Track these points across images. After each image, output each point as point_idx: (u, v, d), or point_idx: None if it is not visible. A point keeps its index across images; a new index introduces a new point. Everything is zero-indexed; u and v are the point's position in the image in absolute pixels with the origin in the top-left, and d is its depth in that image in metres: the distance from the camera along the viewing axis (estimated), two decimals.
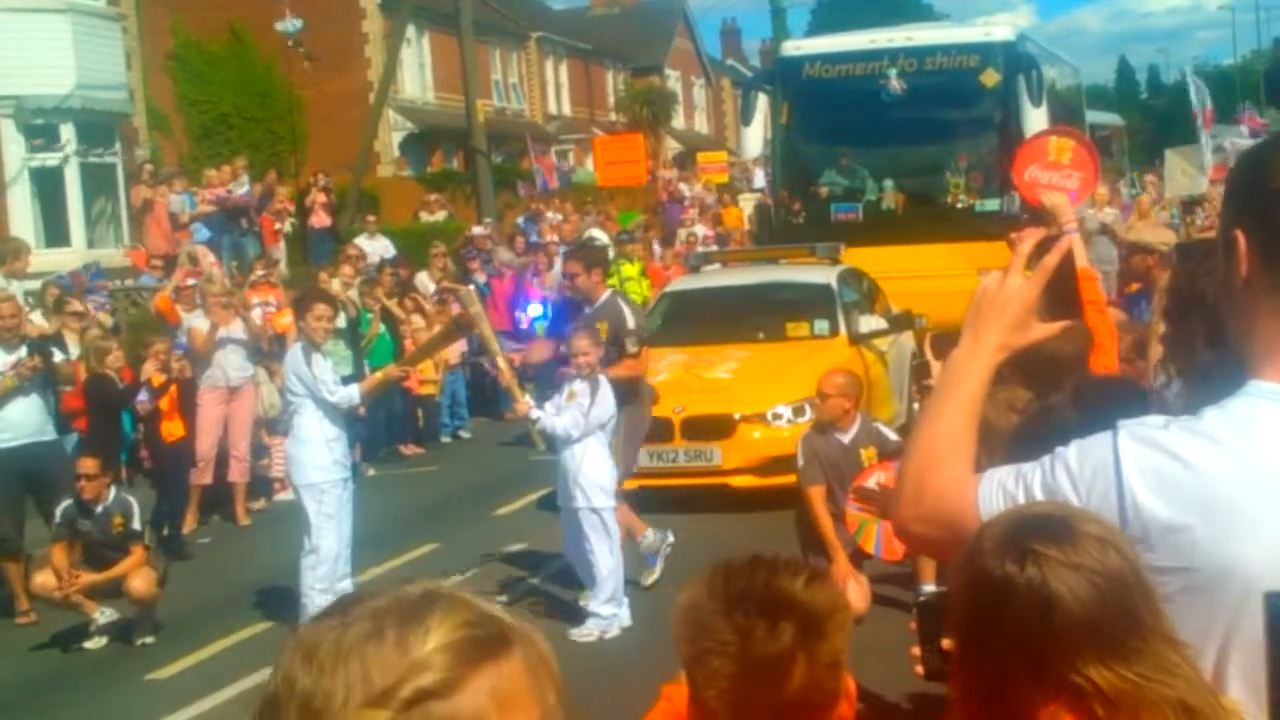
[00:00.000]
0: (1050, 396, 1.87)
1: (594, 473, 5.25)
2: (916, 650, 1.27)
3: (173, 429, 7.38)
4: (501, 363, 5.39)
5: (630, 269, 10.72)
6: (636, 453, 6.08)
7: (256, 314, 8.38)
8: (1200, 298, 1.99)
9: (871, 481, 4.56)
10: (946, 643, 1.22)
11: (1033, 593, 1.10)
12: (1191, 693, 1.10)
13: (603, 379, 5.30)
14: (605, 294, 5.91)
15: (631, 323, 5.82)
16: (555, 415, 5.24)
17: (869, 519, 4.63)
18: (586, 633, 5.19)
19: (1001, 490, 1.28)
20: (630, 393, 5.73)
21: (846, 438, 5.13)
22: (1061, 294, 1.47)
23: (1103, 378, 2.20)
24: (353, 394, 5.58)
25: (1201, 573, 1.17)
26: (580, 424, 5.21)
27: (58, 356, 6.87)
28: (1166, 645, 1.11)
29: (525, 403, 5.28)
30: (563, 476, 5.31)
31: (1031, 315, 1.38)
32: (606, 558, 5.23)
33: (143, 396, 7.19)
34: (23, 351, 6.45)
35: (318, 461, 5.48)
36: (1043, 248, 1.45)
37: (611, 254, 10.60)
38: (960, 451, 1.33)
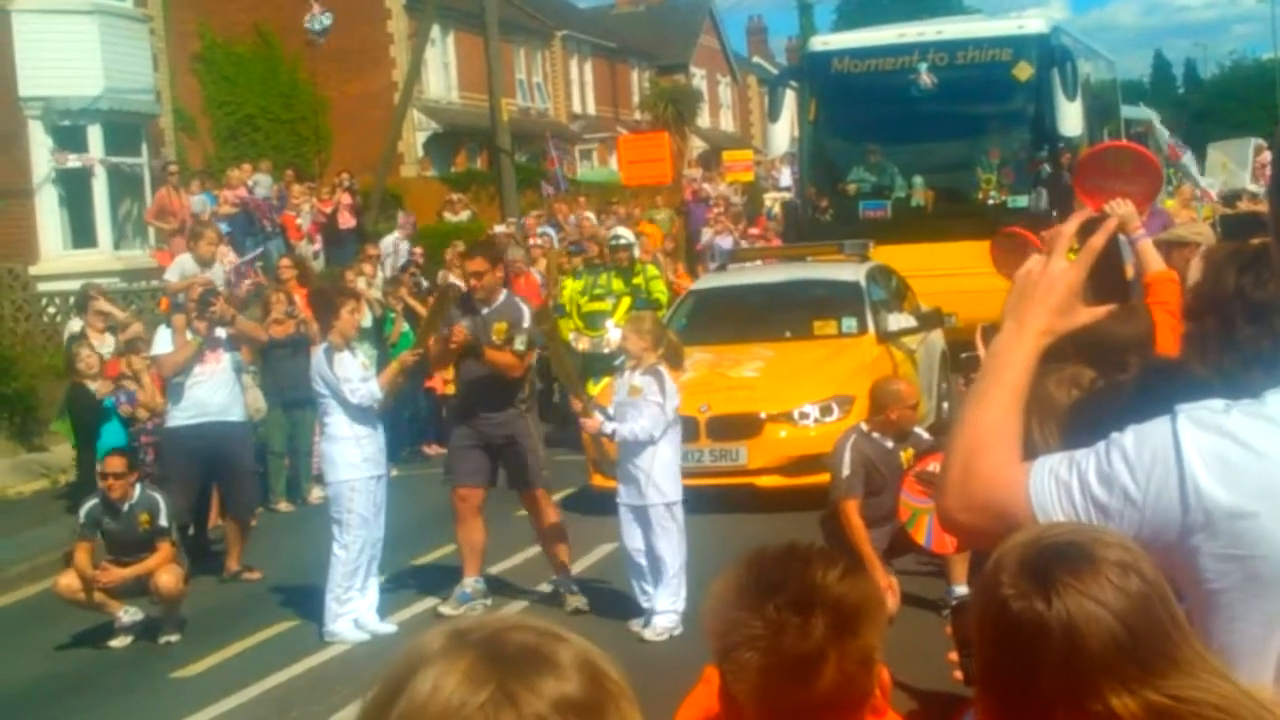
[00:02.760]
0: (1113, 378, 1.81)
1: (666, 467, 5.20)
2: (953, 656, 1.24)
3: None
4: (576, 395, 5.32)
5: (654, 269, 10.65)
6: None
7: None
8: (1223, 296, 1.93)
9: (932, 467, 4.47)
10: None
11: (1055, 627, 1.07)
12: (1228, 707, 1.06)
13: (663, 369, 5.21)
14: (503, 294, 5.70)
15: (526, 322, 5.62)
16: (617, 419, 5.14)
17: (923, 509, 4.54)
18: (659, 631, 5.13)
19: (1054, 479, 1.23)
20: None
21: (890, 441, 5.06)
22: (1108, 277, 1.38)
23: (1168, 361, 2.13)
24: (373, 389, 5.56)
25: (1266, 560, 1.13)
26: (661, 422, 5.13)
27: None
28: (1197, 662, 1.07)
29: (596, 419, 5.21)
30: (629, 473, 5.22)
31: (1076, 299, 1.34)
32: (676, 553, 5.18)
33: (123, 399, 7.12)
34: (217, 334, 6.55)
35: (348, 459, 5.49)
36: (1087, 229, 1.40)
37: (636, 253, 10.52)
38: (1006, 438, 1.29)
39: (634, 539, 5.30)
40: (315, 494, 8.33)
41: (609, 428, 5.16)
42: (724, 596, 1.25)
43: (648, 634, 5.11)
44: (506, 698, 0.76)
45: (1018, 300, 1.36)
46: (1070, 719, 1.07)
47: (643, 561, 5.29)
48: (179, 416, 6.52)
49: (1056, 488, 1.22)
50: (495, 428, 5.52)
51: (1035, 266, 1.36)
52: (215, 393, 6.54)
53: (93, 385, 7.11)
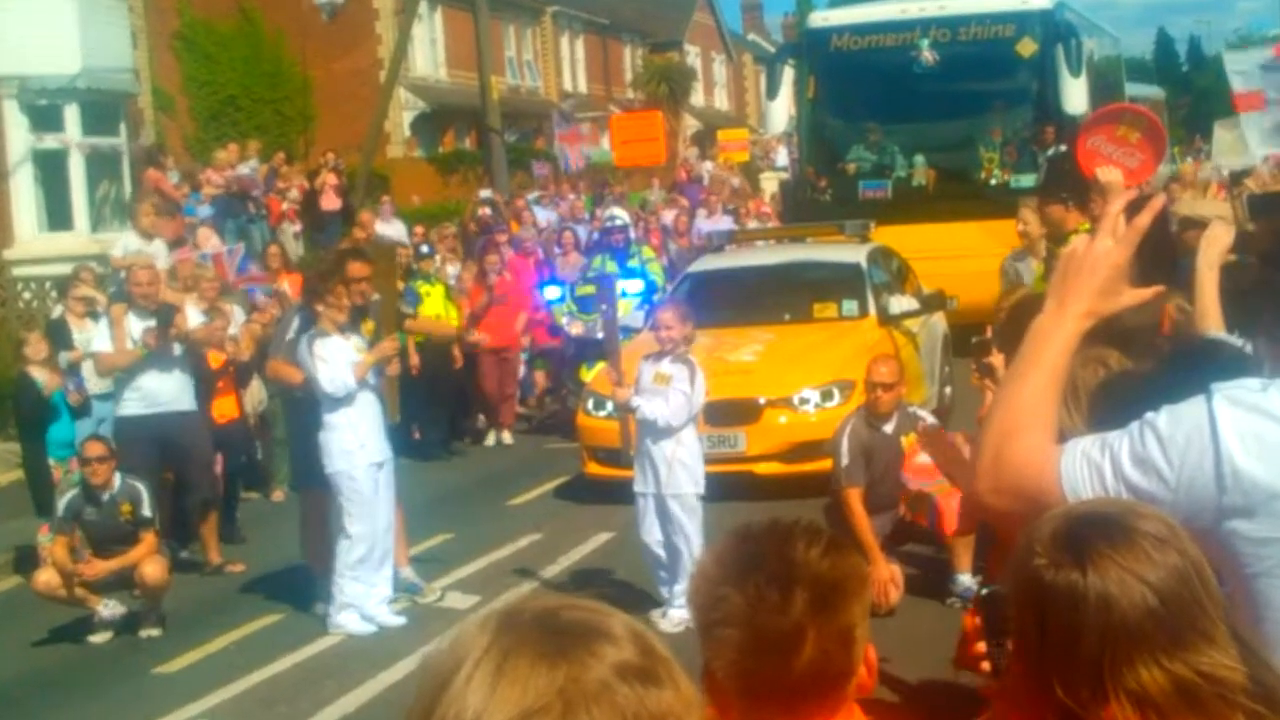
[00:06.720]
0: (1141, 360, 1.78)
1: (691, 458, 5.12)
2: (981, 647, 1.21)
3: (225, 409, 7.00)
4: (612, 365, 5.27)
5: (649, 251, 10.45)
6: None
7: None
8: None
9: (920, 458, 4.37)
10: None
11: (1091, 597, 1.05)
12: (1258, 687, 1.03)
13: (693, 359, 5.14)
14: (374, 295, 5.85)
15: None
16: (644, 401, 5.05)
17: (926, 494, 4.48)
18: (676, 623, 4.99)
19: (1086, 461, 1.22)
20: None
21: (890, 427, 4.97)
22: (1154, 257, 1.34)
23: (1205, 339, 2.08)
24: (347, 380, 5.33)
25: None
26: (685, 410, 5.03)
27: (193, 320, 6.41)
28: (1234, 641, 1.05)
29: (626, 390, 5.09)
30: (651, 463, 5.12)
31: (1121, 280, 1.31)
32: (699, 546, 5.08)
33: (71, 387, 6.76)
34: (153, 321, 6.16)
35: (344, 447, 5.32)
36: (1134, 208, 1.32)
37: (633, 234, 10.31)
38: (1041, 420, 1.27)
39: (651, 531, 5.19)
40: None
41: (635, 401, 5.04)
42: (706, 572, 1.25)
43: (665, 625, 5.01)
44: (572, 677, 0.79)
45: (1060, 280, 1.32)
46: (1098, 695, 1.04)
47: (660, 552, 5.19)
48: (129, 405, 6.19)
49: (1089, 470, 1.21)
50: None
51: (1080, 246, 1.31)
52: (164, 382, 6.19)
53: (39, 376, 6.74)
